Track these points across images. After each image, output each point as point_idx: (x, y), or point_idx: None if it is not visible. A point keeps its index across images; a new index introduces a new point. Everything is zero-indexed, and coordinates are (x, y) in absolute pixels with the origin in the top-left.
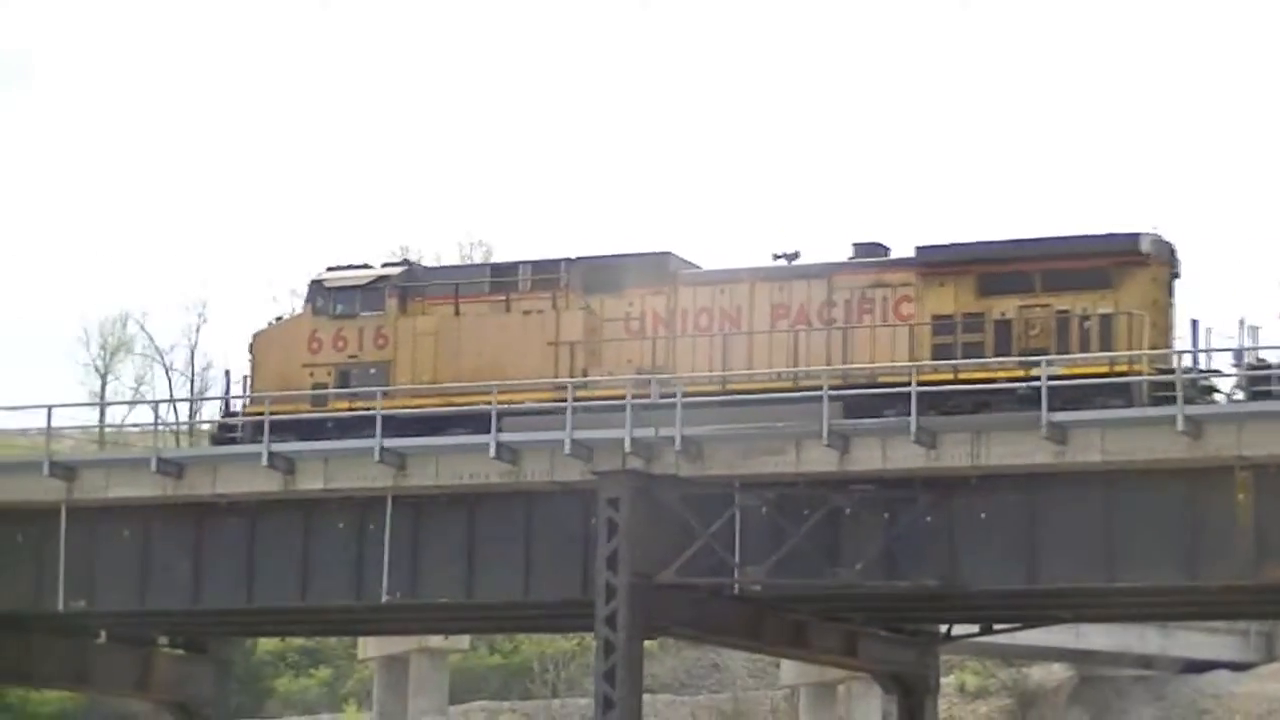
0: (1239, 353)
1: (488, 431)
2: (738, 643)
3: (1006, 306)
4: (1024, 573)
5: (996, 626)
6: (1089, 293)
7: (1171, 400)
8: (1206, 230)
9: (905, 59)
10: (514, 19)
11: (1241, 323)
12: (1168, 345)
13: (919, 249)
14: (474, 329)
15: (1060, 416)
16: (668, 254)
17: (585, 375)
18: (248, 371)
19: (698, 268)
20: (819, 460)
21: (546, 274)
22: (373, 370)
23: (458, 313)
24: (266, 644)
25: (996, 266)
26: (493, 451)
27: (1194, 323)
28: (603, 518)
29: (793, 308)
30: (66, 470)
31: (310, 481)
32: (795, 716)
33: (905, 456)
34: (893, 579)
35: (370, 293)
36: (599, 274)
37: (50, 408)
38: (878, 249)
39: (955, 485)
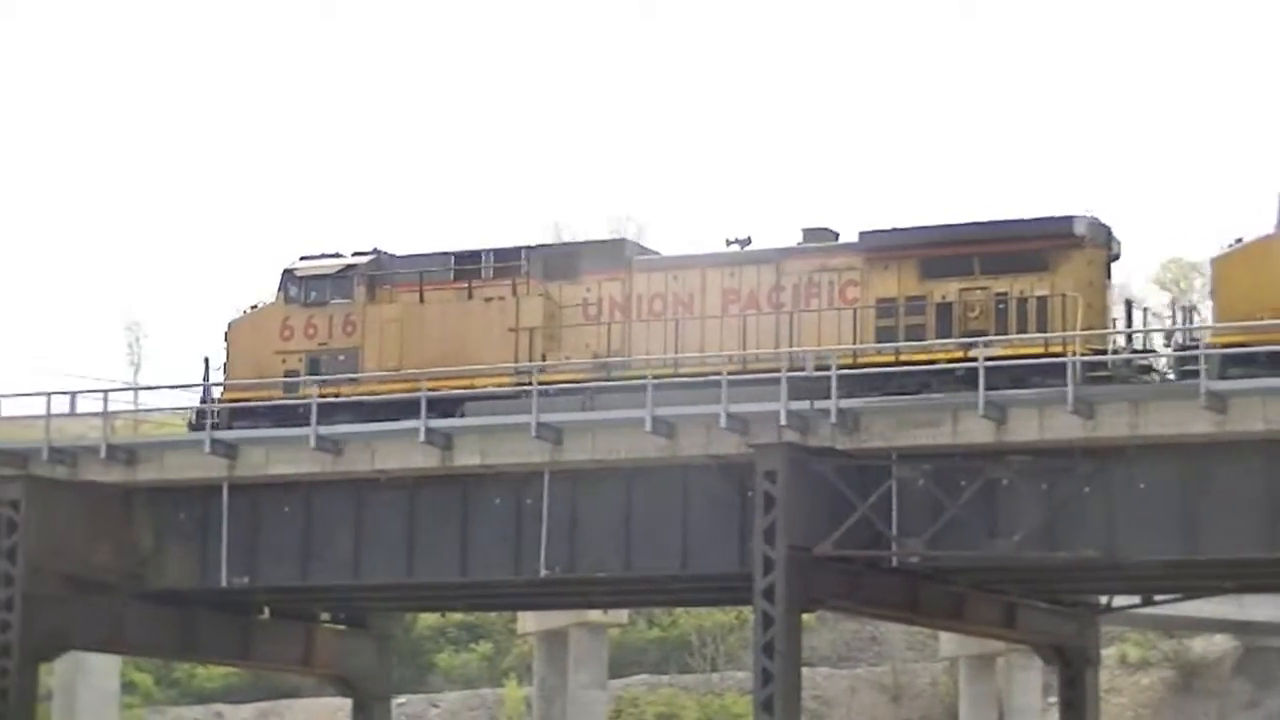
0: (1169, 333)
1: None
2: (895, 615)
3: (948, 289)
4: (1184, 543)
5: (1157, 598)
6: (1026, 275)
7: (1108, 380)
8: (1150, 213)
9: (864, 49)
10: (485, 10)
11: (1173, 302)
12: (1104, 325)
13: (862, 234)
14: (438, 316)
15: (1219, 385)
16: (623, 241)
17: (544, 360)
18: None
19: (655, 254)
20: (976, 431)
21: (507, 262)
22: (342, 357)
23: (422, 300)
24: (427, 619)
25: (937, 250)
26: (648, 425)
27: (1128, 303)
28: (759, 491)
29: (743, 292)
30: (228, 448)
31: (467, 457)
32: (955, 689)
33: (1063, 427)
34: (1051, 550)
35: (339, 281)
36: (558, 261)
37: (208, 385)
38: (826, 234)
39: (1113, 455)
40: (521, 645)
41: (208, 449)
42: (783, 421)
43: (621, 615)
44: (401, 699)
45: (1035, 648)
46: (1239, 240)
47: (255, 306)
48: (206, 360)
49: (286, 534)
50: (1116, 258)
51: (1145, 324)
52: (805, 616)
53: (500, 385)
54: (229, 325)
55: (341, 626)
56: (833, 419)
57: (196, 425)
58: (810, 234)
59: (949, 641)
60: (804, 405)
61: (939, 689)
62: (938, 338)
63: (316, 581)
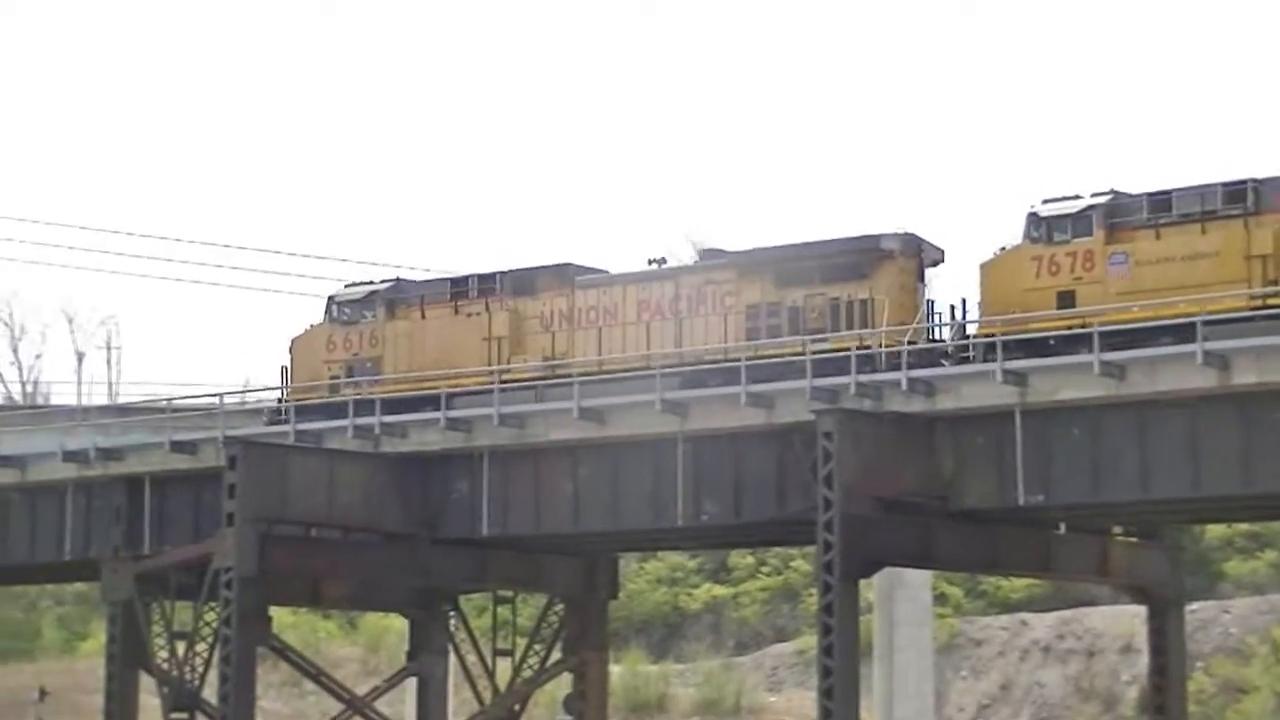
0: (956, 326)
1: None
2: None
3: (796, 296)
4: None
5: None
6: (852, 283)
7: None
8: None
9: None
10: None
11: (964, 301)
12: (912, 321)
13: (733, 253)
14: (435, 329)
15: None
16: (568, 264)
17: (509, 362)
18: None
19: (599, 272)
20: None
21: (486, 284)
22: (368, 364)
23: (424, 317)
24: (1214, 529)
25: (789, 264)
26: None
27: (930, 303)
28: None
29: (651, 303)
30: (1018, 377)
31: (1244, 376)
32: None
33: None
34: None
35: (366, 303)
36: (521, 282)
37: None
38: (718, 253)
39: None
40: None
41: (999, 379)
42: None
43: None
44: (1194, 606)
45: None
46: (1002, 249)
47: (311, 326)
48: (283, 368)
49: (1076, 454)
50: (935, 264)
51: (950, 319)
52: None
53: (478, 384)
54: (291, 341)
55: (1133, 539)
56: None
57: (271, 420)
58: (704, 253)
59: None
60: None
61: None
62: (789, 335)
63: (1106, 498)
